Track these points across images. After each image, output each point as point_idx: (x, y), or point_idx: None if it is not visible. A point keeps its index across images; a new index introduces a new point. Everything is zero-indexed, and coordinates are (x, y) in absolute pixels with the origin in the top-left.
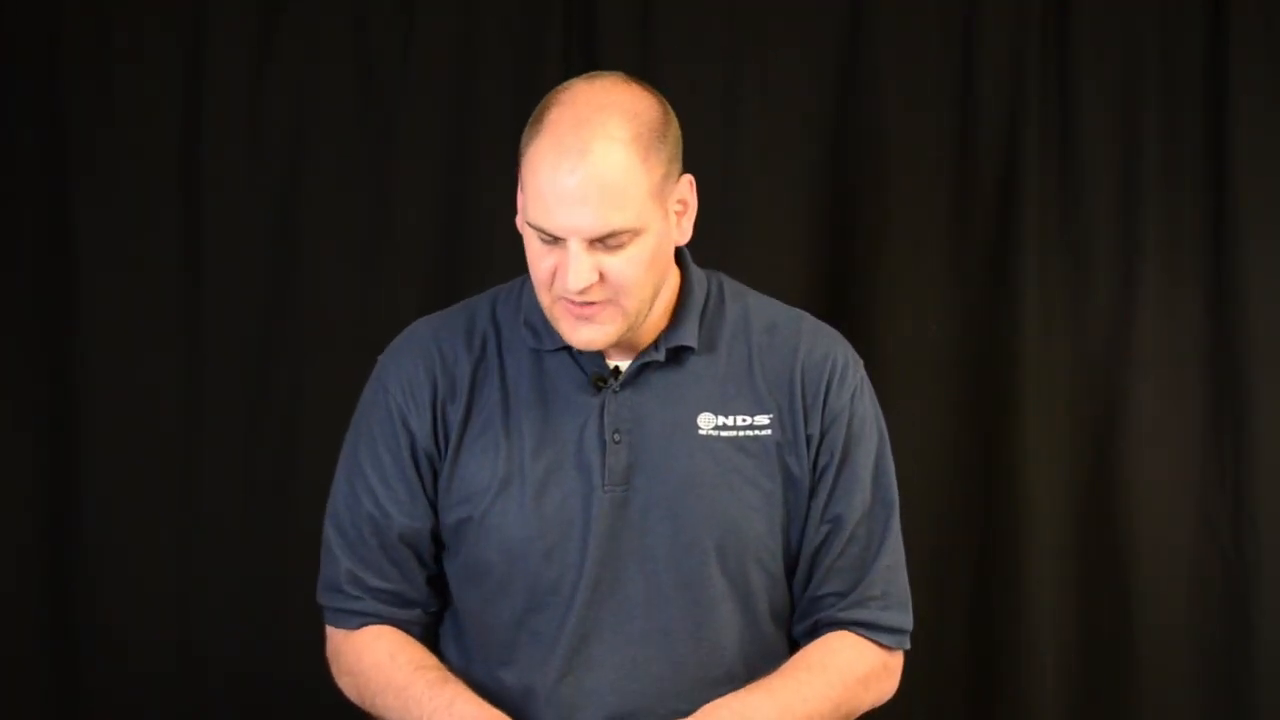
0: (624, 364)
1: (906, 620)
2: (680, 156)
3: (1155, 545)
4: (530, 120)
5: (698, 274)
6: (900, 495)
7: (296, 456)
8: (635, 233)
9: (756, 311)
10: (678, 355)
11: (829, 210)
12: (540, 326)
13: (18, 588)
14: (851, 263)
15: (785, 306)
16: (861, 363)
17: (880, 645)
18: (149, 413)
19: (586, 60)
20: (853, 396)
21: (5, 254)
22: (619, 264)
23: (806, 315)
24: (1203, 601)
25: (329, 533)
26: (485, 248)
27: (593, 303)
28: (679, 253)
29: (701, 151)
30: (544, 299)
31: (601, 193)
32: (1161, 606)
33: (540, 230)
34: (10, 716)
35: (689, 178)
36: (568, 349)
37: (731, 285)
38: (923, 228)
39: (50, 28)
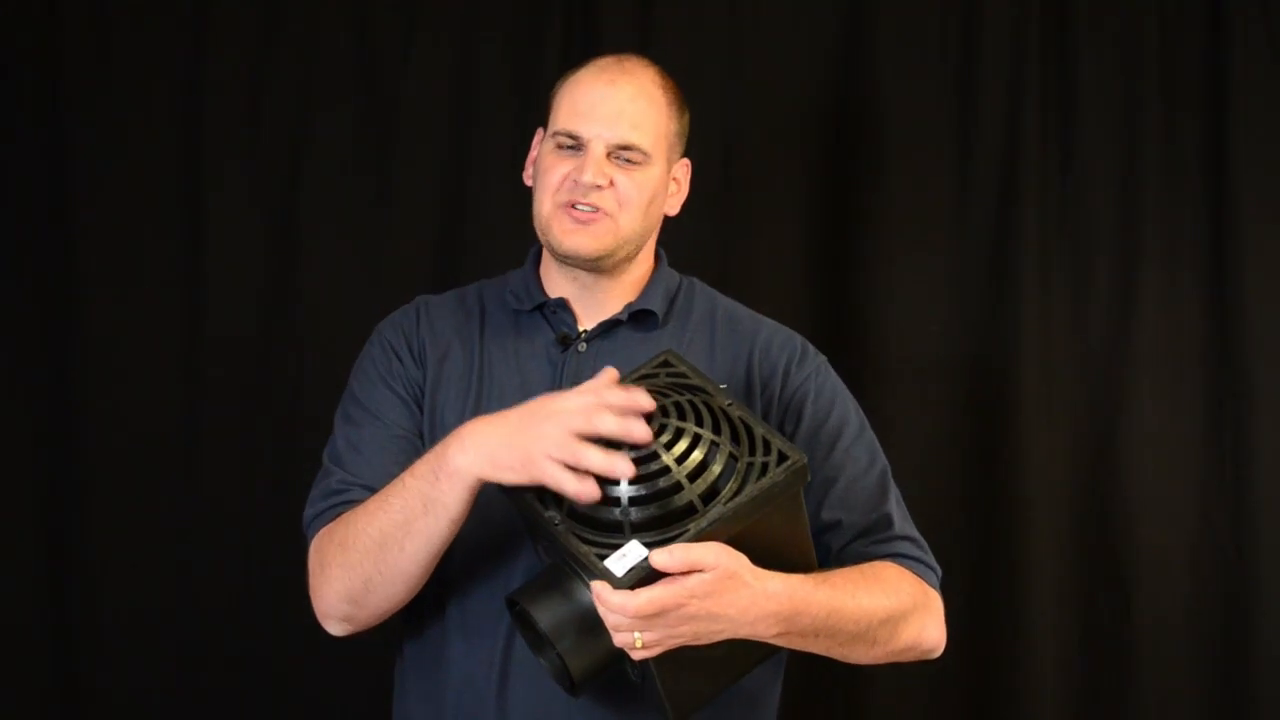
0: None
1: (934, 564)
2: (685, 141)
3: (1155, 545)
4: (565, 73)
5: (671, 270)
6: (900, 495)
7: (296, 455)
8: (646, 159)
9: (723, 308)
10: (642, 321)
11: (828, 210)
12: (520, 291)
13: (18, 588)
14: (852, 262)
15: (751, 311)
16: (825, 357)
17: (921, 579)
18: (149, 413)
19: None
20: (813, 374)
21: (5, 255)
22: (626, 181)
23: (769, 319)
24: (1203, 601)
25: (327, 457)
26: (485, 247)
27: (595, 210)
28: (657, 252)
29: (702, 154)
30: (546, 208)
31: (632, 105)
32: (1161, 606)
33: (568, 134)
34: (10, 716)
35: (688, 161)
36: (541, 309)
37: (703, 286)
38: (923, 228)
39: (50, 28)
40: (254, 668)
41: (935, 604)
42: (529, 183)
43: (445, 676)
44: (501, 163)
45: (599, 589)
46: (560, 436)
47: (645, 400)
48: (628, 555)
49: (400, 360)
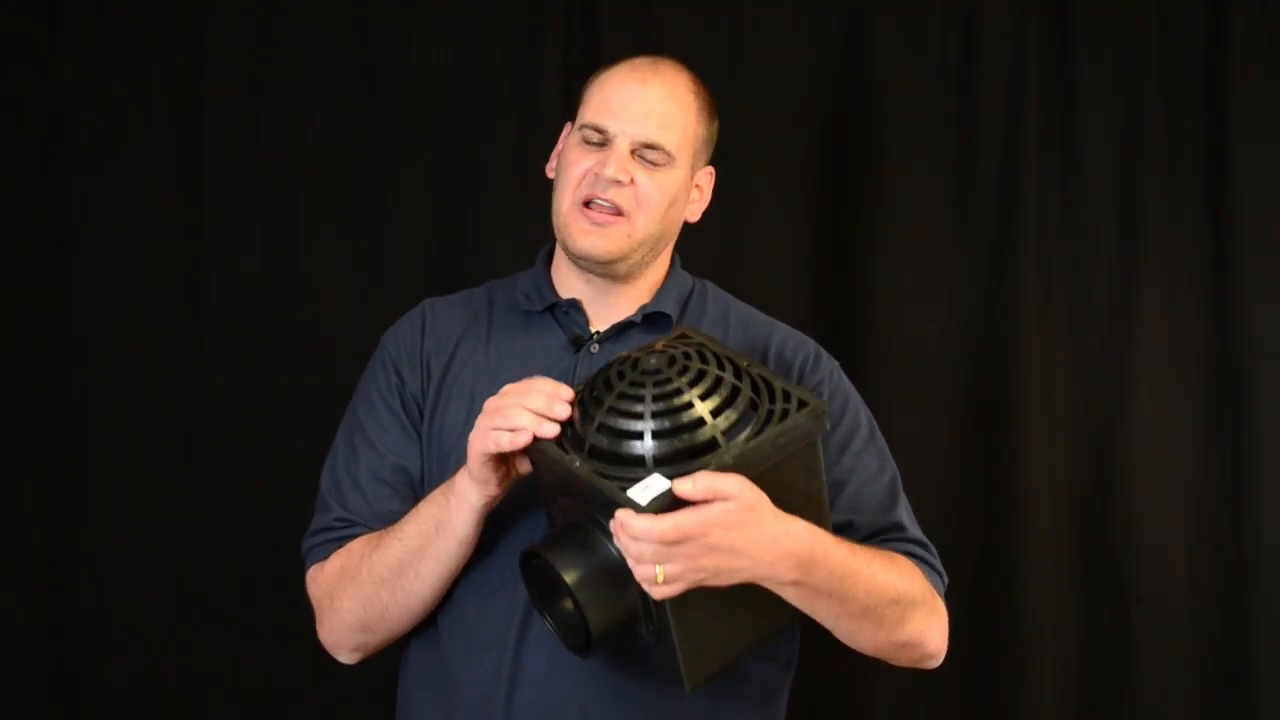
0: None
1: (943, 571)
2: (713, 148)
3: (1155, 545)
4: (599, 69)
5: (685, 273)
6: (909, 503)
7: (296, 456)
8: (669, 160)
9: (736, 311)
10: (655, 323)
11: (829, 210)
12: (531, 291)
13: (18, 588)
14: (851, 262)
15: (764, 315)
16: (837, 362)
17: (930, 582)
18: (149, 412)
19: (586, 62)
20: (826, 379)
21: (5, 254)
22: (647, 181)
23: (783, 324)
24: (1203, 601)
25: (325, 487)
26: (485, 247)
27: (614, 210)
28: (672, 255)
29: None
30: (565, 204)
31: (661, 106)
32: (1161, 606)
33: (594, 127)
34: (10, 716)
35: (712, 169)
36: (552, 310)
37: (716, 289)
38: (923, 228)
39: (50, 28)
40: (254, 668)
41: (942, 609)
42: (550, 174)
43: (453, 680)
44: (501, 163)
45: (623, 517)
46: (490, 414)
47: (548, 385)
48: (651, 486)
49: (400, 376)
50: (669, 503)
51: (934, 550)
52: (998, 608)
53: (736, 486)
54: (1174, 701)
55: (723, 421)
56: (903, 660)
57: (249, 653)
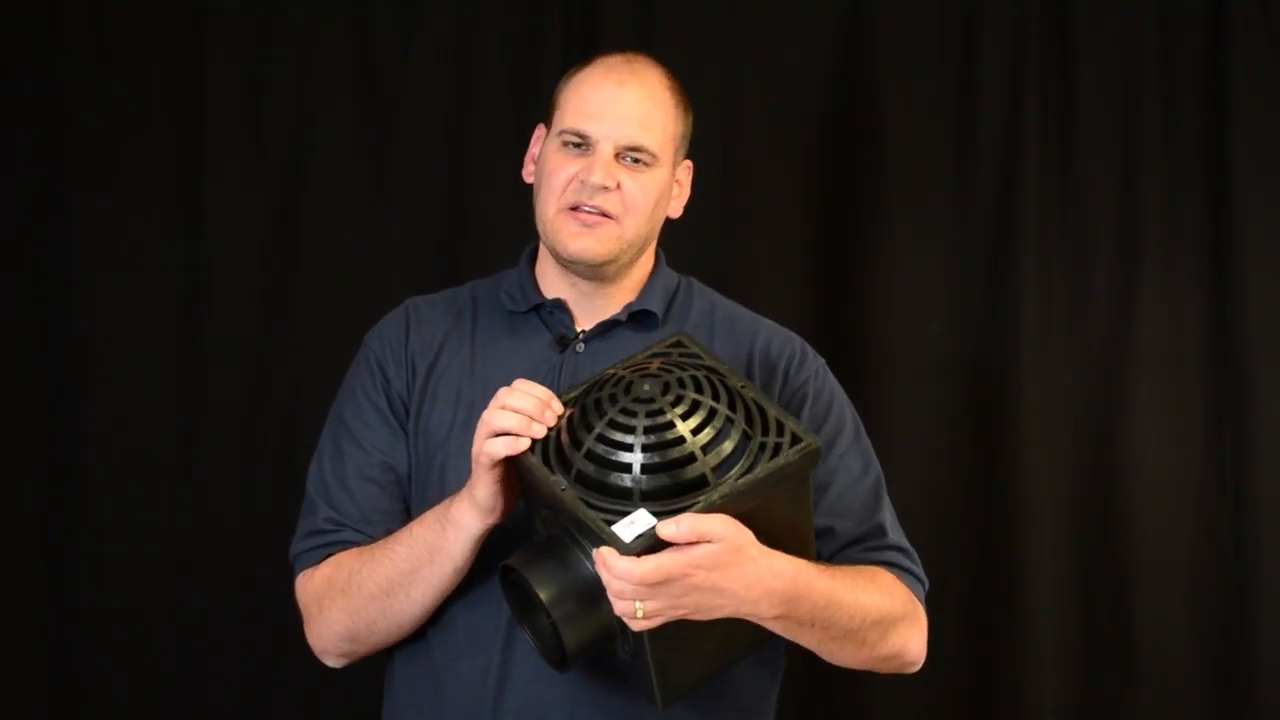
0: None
1: (923, 577)
2: (689, 142)
3: (1155, 545)
4: (570, 70)
5: (669, 269)
6: (900, 496)
7: (296, 456)
8: (653, 160)
9: (721, 308)
10: (641, 321)
11: (828, 210)
12: (515, 292)
13: (18, 588)
14: (851, 263)
15: (750, 311)
16: (823, 360)
17: (910, 590)
18: (149, 413)
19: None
20: (812, 377)
21: (5, 254)
22: (632, 184)
23: (769, 320)
24: (1203, 601)
25: (312, 488)
26: (485, 247)
27: (603, 214)
28: (656, 253)
29: (702, 153)
30: (551, 210)
31: (640, 107)
32: (1161, 606)
33: (576, 134)
34: (10, 716)
35: (690, 163)
36: (537, 310)
37: (701, 286)
38: (923, 228)
39: (50, 28)
40: (254, 667)
41: (922, 617)
42: (529, 179)
43: (440, 685)
44: (501, 163)
45: (605, 554)
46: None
47: (540, 391)
48: (636, 523)
49: (386, 375)
50: (653, 542)
51: (915, 556)
52: (998, 608)
53: (722, 527)
54: (1174, 701)
55: (713, 458)
56: (884, 670)
57: (249, 652)
